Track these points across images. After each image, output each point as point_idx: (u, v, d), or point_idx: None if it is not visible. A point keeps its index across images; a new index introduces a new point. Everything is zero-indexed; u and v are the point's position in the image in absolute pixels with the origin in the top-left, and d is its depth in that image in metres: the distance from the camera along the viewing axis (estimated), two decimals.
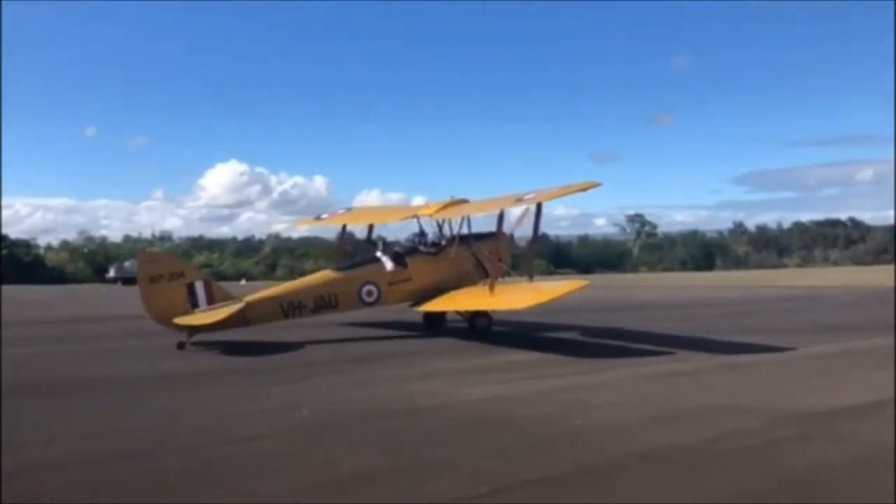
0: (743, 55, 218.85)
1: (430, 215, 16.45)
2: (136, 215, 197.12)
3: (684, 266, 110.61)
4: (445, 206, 16.38)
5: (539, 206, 14.70)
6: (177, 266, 13.67)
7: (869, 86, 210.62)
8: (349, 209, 20.21)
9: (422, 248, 16.17)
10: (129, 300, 30.78)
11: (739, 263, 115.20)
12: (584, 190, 14.26)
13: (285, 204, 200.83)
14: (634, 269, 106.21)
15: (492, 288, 14.44)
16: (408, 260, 15.73)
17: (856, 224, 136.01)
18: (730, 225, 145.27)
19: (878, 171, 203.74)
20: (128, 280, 66.13)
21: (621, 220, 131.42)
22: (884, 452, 6.54)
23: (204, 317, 13.04)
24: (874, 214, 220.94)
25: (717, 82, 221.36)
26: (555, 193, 14.78)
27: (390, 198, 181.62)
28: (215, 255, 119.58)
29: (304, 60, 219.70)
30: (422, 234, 16.52)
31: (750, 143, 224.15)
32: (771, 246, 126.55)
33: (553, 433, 7.14)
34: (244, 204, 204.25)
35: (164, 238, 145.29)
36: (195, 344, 13.29)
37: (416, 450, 6.48)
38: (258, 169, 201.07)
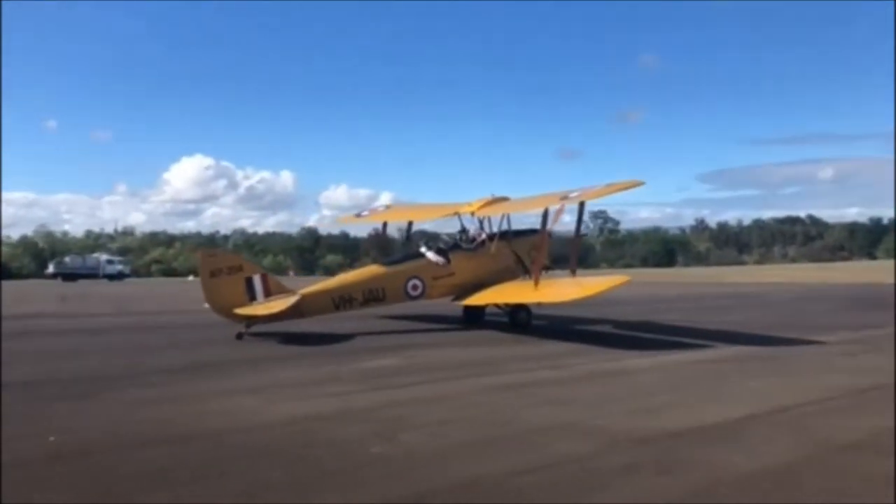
0: (709, 54, 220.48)
1: (472, 213, 17.04)
2: (98, 210, 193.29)
3: (645, 262, 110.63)
4: (487, 204, 16.97)
5: (582, 205, 15.50)
6: (235, 261, 14.58)
7: (830, 85, 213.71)
8: (388, 207, 20.79)
9: (463, 244, 16.82)
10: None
11: (700, 260, 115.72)
12: (627, 188, 15.02)
13: (252, 199, 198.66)
14: (596, 266, 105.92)
15: (536, 282, 15.00)
16: (450, 255, 16.38)
17: (814, 221, 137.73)
18: (692, 222, 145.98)
19: (837, 169, 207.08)
20: (68, 276, 63.93)
21: (585, 216, 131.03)
22: (723, 484, 5.46)
23: (262, 308, 13.88)
24: (833, 212, 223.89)
25: (684, 81, 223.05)
26: (600, 192, 15.25)
27: (358, 194, 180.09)
28: (170, 251, 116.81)
29: (271, 55, 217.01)
30: (463, 230, 17.19)
31: (716, 142, 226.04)
32: (731, 243, 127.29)
33: (335, 465, 5.91)
34: (210, 199, 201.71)
35: (127, 233, 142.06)
36: (255, 334, 13.88)
37: (132, 491, 5.21)
38: (224, 163, 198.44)
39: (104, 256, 70.75)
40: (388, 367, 10.98)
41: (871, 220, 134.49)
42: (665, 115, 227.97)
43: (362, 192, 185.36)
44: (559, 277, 16.50)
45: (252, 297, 14.01)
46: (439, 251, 16.45)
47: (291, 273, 78.29)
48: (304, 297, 14.40)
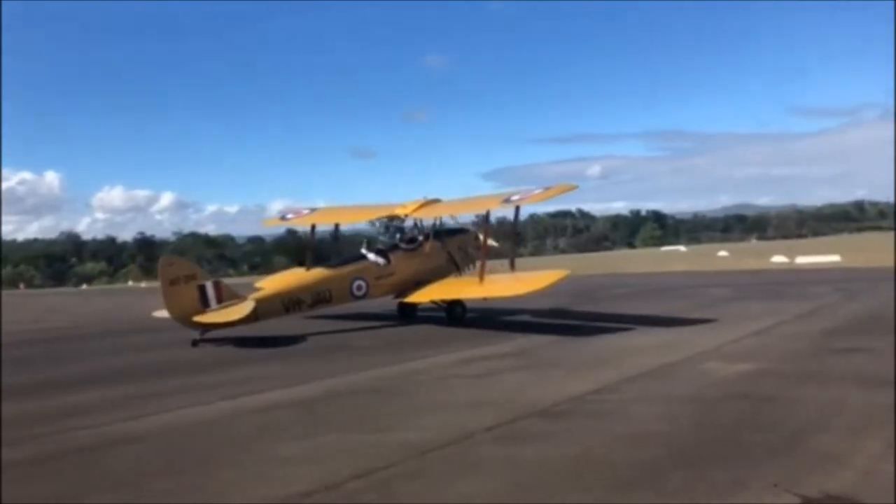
0: (491, 56, 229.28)
1: (407, 214, 18.04)
2: None
3: None
4: (421, 206, 17.84)
5: (518, 209, 16.30)
6: (190, 269, 14.43)
7: (594, 86, 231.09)
8: (314, 209, 20.72)
9: (402, 244, 17.54)
10: None
11: None
12: (563, 192, 16.07)
13: (11, 202, 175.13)
14: None
15: (481, 278, 15.73)
16: (390, 256, 17.01)
17: (583, 215, 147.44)
18: (474, 218, 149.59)
19: (603, 166, 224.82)
20: None
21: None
22: None
23: (221, 315, 13.96)
24: (601, 206, 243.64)
25: (468, 81, 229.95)
26: (539, 196, 16.13)
27: (136, 195, 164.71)
28: None
29: (36, 44, 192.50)
30: (401, 231, 18.35)
31: (497, 141, 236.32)
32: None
33: None
34: None
35: None
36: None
37: None
38: None
39: None
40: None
41: (632, 212, 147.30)
42: (451, 115, 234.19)
43: (141, 194, 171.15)
44: (499, 273, 16.95)
45: (205, 305, 14.06)
46: (379, 252, 17.06)
47: (22, 286, 67.85)
48: (257, 302, 14.61)
